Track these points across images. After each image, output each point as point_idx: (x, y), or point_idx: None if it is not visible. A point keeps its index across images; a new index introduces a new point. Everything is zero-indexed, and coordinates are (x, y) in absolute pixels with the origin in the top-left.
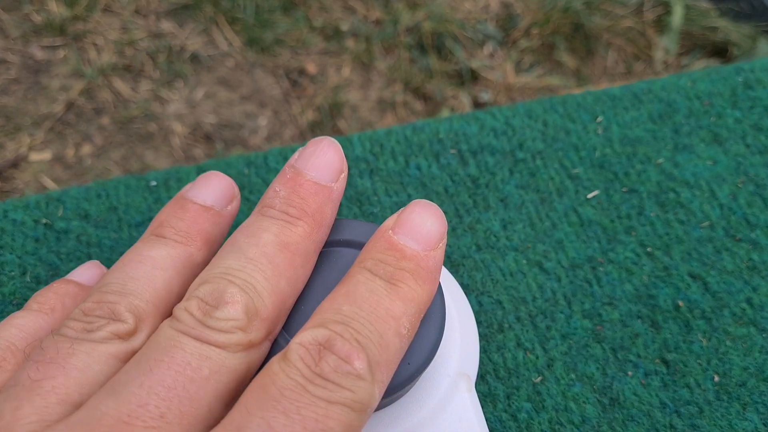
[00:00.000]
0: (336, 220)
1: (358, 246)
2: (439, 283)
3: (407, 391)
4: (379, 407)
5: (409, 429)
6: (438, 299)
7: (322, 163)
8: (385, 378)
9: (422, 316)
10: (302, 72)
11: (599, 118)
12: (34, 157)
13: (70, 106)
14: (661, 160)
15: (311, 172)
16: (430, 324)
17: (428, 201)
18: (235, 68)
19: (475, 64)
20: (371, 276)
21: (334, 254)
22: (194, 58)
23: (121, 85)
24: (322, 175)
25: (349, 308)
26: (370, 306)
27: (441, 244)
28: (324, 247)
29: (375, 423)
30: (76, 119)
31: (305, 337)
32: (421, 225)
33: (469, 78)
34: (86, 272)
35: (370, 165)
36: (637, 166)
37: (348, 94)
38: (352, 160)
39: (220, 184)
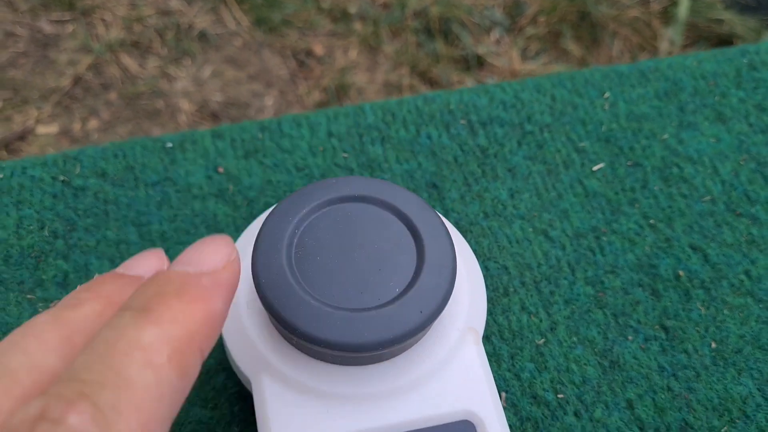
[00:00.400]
0: (343, 178)
1: (369, 200)
2: (450, 238)
3: (418, 340)
4: (390, 356)
5: (418, 378)
6: (449, 251)
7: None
8: (136, 423)
9: (206, 339)
10: (309, 53)
11: (606, 94)
12: (41, 130)
13: (77, 80)
14: (665, 136)
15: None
16: (442, 274)
17: (216, 235)
18: (243, 47)
19: (481, 50)
20: (120, 312)
21: (345, 209)
22: (202, 36)
23: (129, 61)
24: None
25: (82, 358)
26: (107, 344)
27: (225, 265)
28: (331, 204)
29: (386, 371)
30: (83, 94)
31: (17, 417)
32: (197, 252)
33: (475, 63)
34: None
35: (381, 133)
36: (642, 141)
37: (354, 76)
38: (364, 127)
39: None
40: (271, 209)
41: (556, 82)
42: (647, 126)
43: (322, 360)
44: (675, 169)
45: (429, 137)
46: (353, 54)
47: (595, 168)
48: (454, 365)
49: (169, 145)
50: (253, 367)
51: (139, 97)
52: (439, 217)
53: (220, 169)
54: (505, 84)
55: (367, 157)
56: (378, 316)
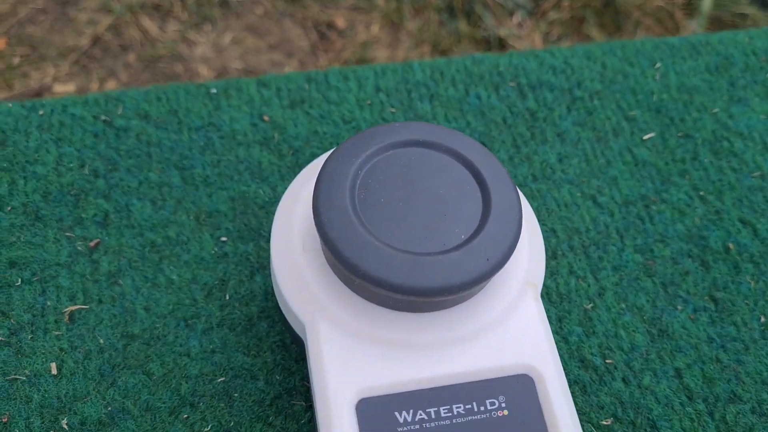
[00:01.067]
0: (407, 123)
1: (433, 146)
2: (516, 187)
3: (480, 290)
4: (450, 305)
5: (478, 329)
6: (515, 200)
7: None
8: None
9: None
10: (331, 26)
11: (657, 65)
12: (58, 88)
13: (96, 40)
14: (716, 110)
15: None
16: (508, 223)
17: None
18: (264, 16)
19: (503, 32)
20: None
21: (409, 154)
22: (224, 2)
23: (149, 24)
24: None
25: None
26: None
27: None
28: (395, 148)
29: (445, 320)
30: (101, 54)
31: None
32: None
33: (496, 45)
34: None
35: (430, 90)
36: (693, 113)
37: (375, 51)
38: (412, 84)
39: None
40: (331, 151)
41: (606, 50)
42: (698, 99)
43: (381, 305)
44: (725, 143)
45: (478, 97)
46: (375, 29)
47: (645, 137)
48: (513, 319)
49: (214, 91)
50: (309, 311)
51: (158, 60)
52: (503, 166)
53: (266, 118)
54: (554, 49)
55: (416, 113)
56: (444, 261)
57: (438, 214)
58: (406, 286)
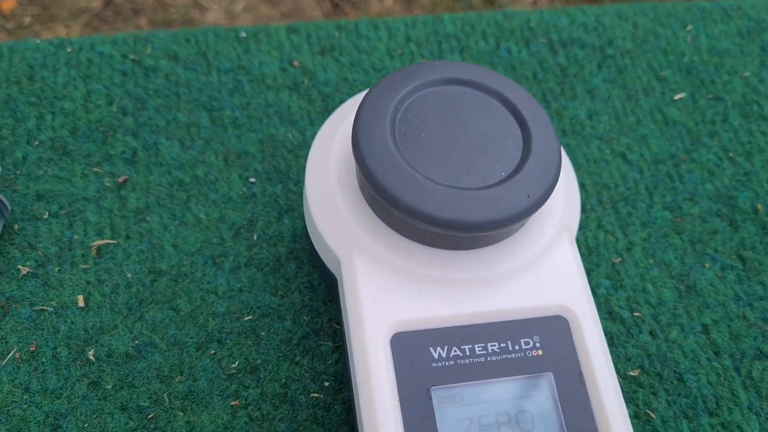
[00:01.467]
0: (447, 62)
1: (474, 85)
2: (554, 129)
3: (518, 229)
4: (488, 243)
5: (514, 269)
6: (555, 140)
7: None
8: None
9: None
10: None
11: (689, 27)
12: None
13: (108, 2)
14: (747, 74)
15: None
16: (548, 162)
17: None
18: None
19: (517, 9)
20: None
21: (449, 92)
22: None
23: None
24: None
25: None
26: None
27: None
28: (435, 85)
29: (481, 258)
30: (113, 16)
31: None
32: None
33: None
34: None
35: (461, 42)
36: (723, 76)
37: None
38: (443, 36)
39: None
40: (370, 88)
41: (638, 10)
42: (729, 62)
43: (418, 241)
44: (755, 107)
45: (509, 51)
46: (389, 2)
47: (676, 97)
48: (549, 261)
49: (243, 35)
50: (344, 246)
51: (169, 24)
52: (543, 108)
53: (295, 63)
54: (585, 7)
55: None
56: (485, 196)
57: (478, 151)
58: (447, 220)
